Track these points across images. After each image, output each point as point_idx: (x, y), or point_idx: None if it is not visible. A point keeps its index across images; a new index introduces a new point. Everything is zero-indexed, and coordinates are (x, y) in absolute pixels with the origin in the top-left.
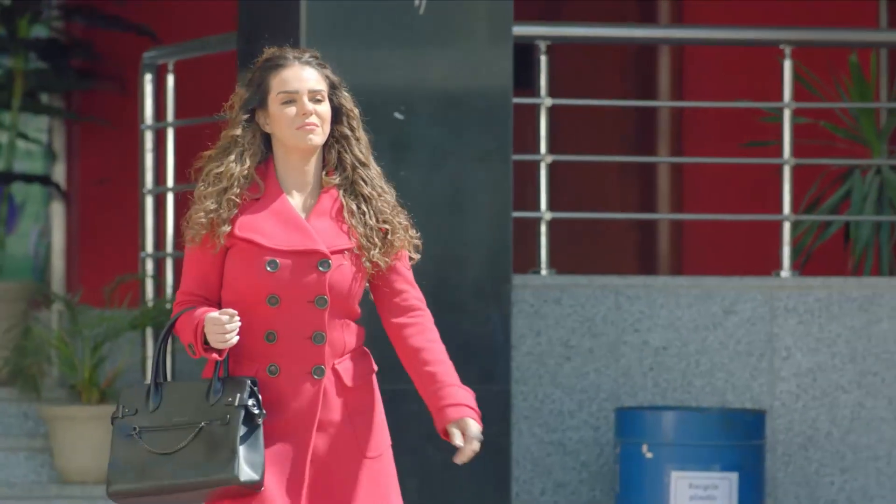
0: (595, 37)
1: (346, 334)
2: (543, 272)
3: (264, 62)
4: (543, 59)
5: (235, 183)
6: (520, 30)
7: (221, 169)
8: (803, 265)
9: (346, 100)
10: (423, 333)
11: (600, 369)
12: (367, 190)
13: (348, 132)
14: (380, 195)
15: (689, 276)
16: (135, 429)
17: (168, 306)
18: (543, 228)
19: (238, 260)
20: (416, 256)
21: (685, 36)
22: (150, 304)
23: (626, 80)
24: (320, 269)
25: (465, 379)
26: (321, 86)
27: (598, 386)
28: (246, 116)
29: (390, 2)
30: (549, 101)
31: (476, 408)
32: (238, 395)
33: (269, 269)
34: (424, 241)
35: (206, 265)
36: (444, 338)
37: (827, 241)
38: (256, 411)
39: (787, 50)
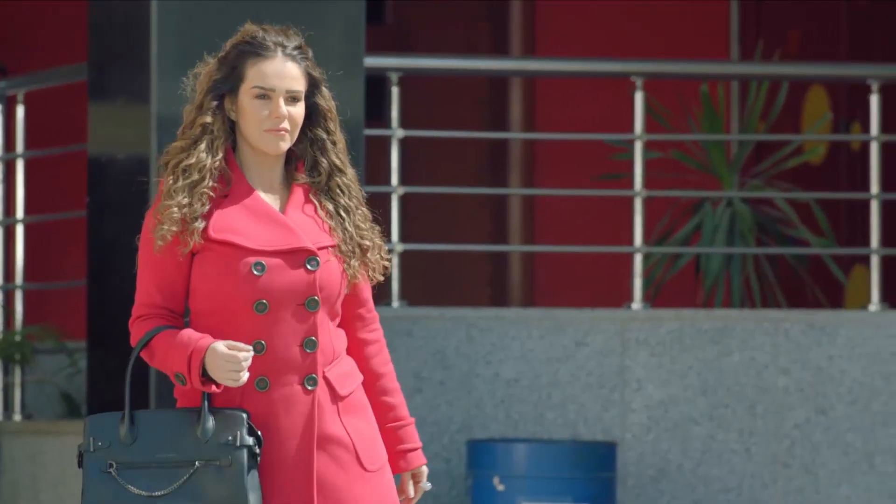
0: (447, 68)
1: (333, 339)
2: (395, 304)
3: (244, 43)
4: (395, 90)
5: (208, 175)
6: (371, 61)
7: (192, 160)
8: (654, 297)
9: (325, 98)
10: (382, 354)
11: (452, 401)
12: (343, 200)
13: (324, 135)
14: (357, 207)
15: (541, 308)
16: (111, 464)
17: (18, 338)
18: (395, 260)
19: (214, 265)
20: (381, 279)
21: (537, 68)
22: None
23: (478, 112)
24: (308, 267)
25: None
26: (300, 85)
27: (449, 418)
28: (216, 102)
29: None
30: (400, 133)
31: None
32: (238, 433)
33: (255, 272)
34: None
35: (170, 271)
36: None
37: (678, 273)
38: (258, 450)
39: (639, 82)
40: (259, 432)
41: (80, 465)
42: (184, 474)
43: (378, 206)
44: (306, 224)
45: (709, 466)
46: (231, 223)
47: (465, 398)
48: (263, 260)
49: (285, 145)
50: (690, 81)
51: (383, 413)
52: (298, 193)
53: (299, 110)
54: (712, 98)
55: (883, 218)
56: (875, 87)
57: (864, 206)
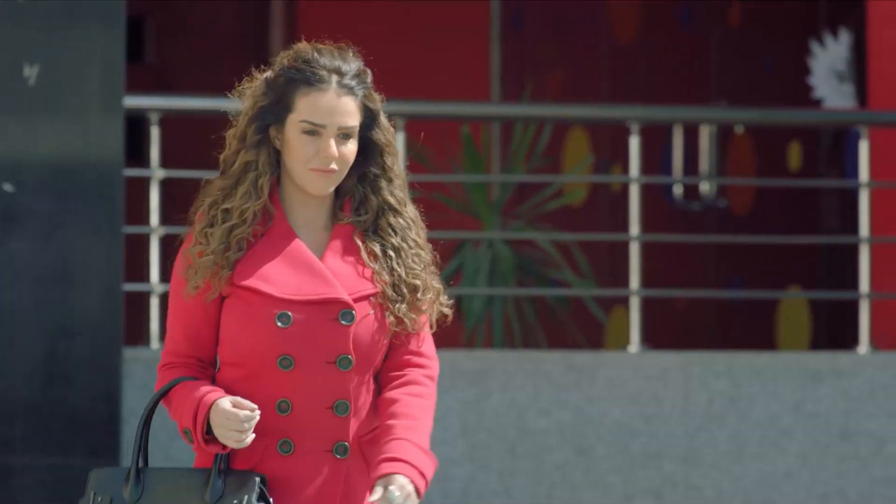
0: (207, 108)
1: (374, 404)
2: (154, 345)
3: (294, 69)
4: (155, 130)
5: (250, 218)
6: (132, 101)
7: (233, 203)
8: None
9: (383, 131)
10: (407, 385)
11: None
12: (395, 240)
13: (378, 171)
14: (411, 248)
15: None
16: None
17: None
18: (155, 301)
19: (239, 313)
20: (432, 329)
21: None
22: None
23: None
24: (342, 322)
25: (73, 453)
26: (354, 121)
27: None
28: (261, 136)
29: None
30: (160, 173)
31: (422, 468)
32: (246, 497)
33: (279, 324)
34: (34, 314)
35: (198, 318)
36: (52, 411)
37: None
38: None
39: (400, 122)
40: (271, 500)
41: None
42: None
43: (140, 247)
44: (344, 271)
45: None
46: (260, 268)
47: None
48: (290, 311)
49: (330, 187)
50: (452, 123)
51: (381, 435)
52: (340, 235)
53: (351, 148)
54: (474, 139)
55: (643, 259)
56: (635, 128)
57: (625, 248)
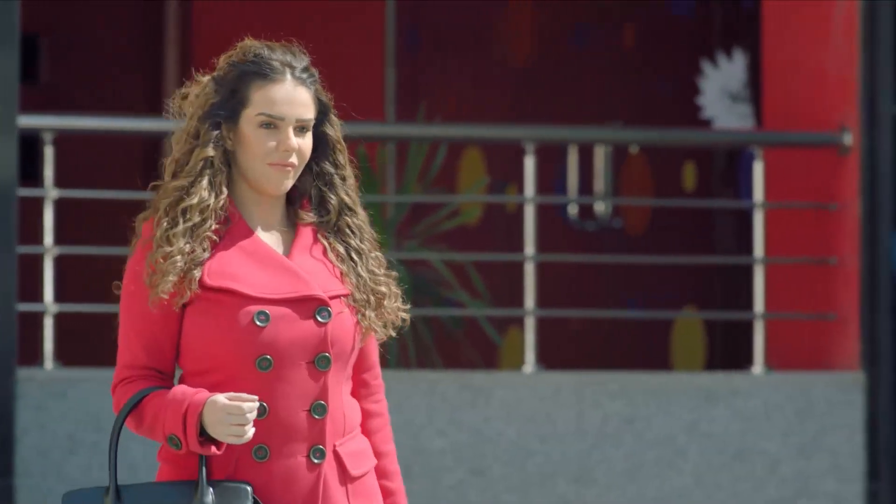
0: (103, 128)
1: (346, 406)
2: (48, 365)
3: (246, 63)
4: (49, 150)
5: (211, 216)
6: (26, 120)
7: (193, 200)
8: None
9: (334, 127)
10: (384, 430)
11: (104, 464)
12: (355, 242)
13: (332, 169)
14: (370, 251)
15: None
16: None
17: None
18: (49, 321)
19: (210, 316)
20: (392, 334)
21: None
22: None
23: (135, 171)
24: (319, 319)
25: None
26: (311, 114)
27: (103, 480)
28: (217, 132)
29: None
30: (55, 193)
31: None
32: None
33: (258, 323)
34: None
35: (157, 327)
36: None
37: None
38: None
39: None
40: None
41: None
42: None
43: (33, 266)
44: (315, 269)
45: None
46: (230, 268)
47: (121, 459)
48: (268, 309)
49: (289, 183)
50: (348, 143)
51: (382, 496)
52: (305, 235)
53: (308, 142)
54: (371, 159)
55: (538, 279)
56: (530, 148)
57: (520, 268)
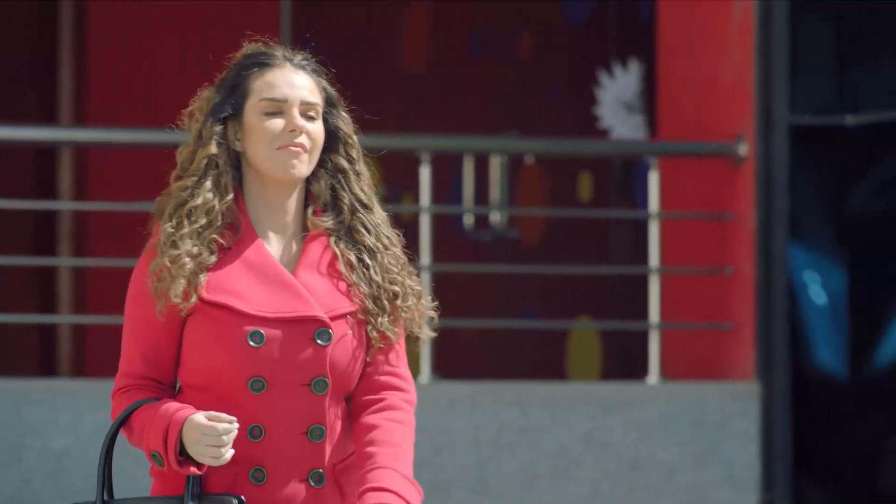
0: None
1: (347, 429)
2: None
3: (243, 59)
4: None
5: (217, 218)
6: None
7: (198, 201)
8: None
9: (345, 122)
10: (386, 411)
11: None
12: (369, 240)
13: (345, 164)
14: (386, 248)
15: (92, 379)
16: None
17: None
18: None
19: (206, 331)
20: (425, 336)
21: (87, 138)
22: None
23: (25, 181)
24: (318, 342)
25: None
26: (316, 98)
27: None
28: (220, 129)
29: None
30: None
31: (408, 499)
32: None
33: (251, 343)
34: None
35: (159, 335)
36: None
37: None
38: None
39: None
40: None
41: None
42: None
43: None
44: (320, 287)
45: None
46: (229, 282)
47: (13, 471)
48: (262, 329)
49: (303, 168)
50: None
51: (361, 463)
52: (314, 246)
53: (319, 128)
54: None
55: (434, 289)
56: (425, 158)
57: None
